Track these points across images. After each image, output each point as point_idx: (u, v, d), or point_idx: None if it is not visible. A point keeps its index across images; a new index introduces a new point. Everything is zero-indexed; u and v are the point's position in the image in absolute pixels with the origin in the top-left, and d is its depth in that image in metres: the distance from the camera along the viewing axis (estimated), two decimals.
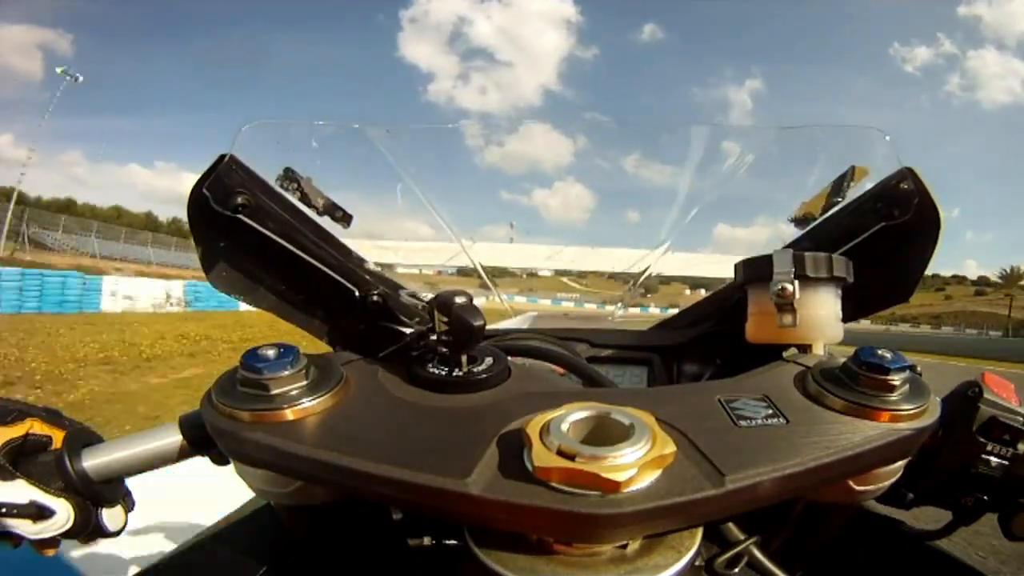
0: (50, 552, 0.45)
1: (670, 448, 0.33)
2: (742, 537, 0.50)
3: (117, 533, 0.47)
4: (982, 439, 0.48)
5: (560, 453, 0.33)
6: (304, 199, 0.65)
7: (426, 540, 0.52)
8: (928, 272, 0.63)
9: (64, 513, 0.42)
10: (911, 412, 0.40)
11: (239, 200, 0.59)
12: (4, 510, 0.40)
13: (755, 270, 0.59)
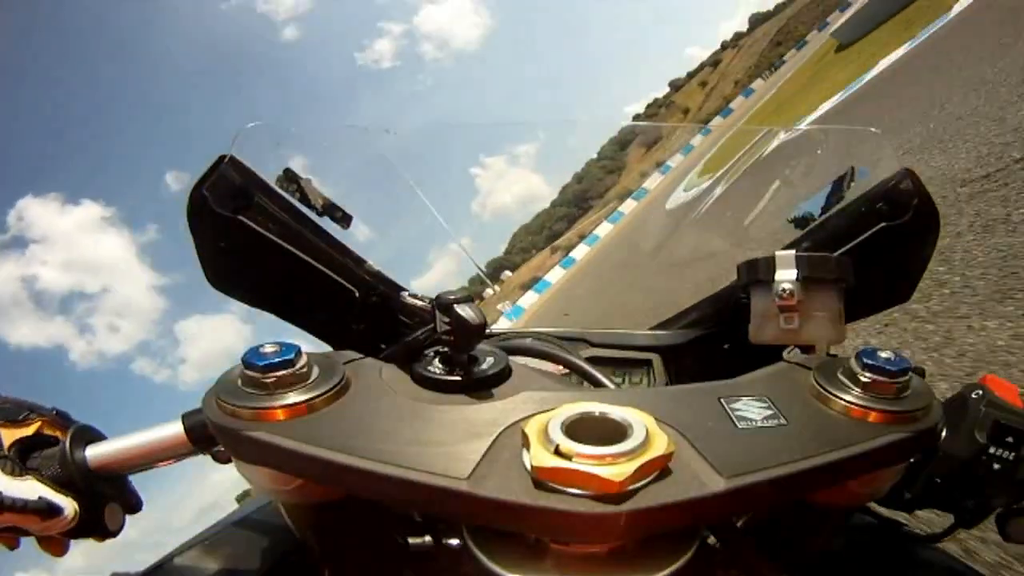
0: (59, 552, 0.45)
1: (669, 448, 0.33)
2: (741, 538, 0.50)
3: (117, 531, 0.47)
4: (984, 441, 0.48)
5: (559, 453, 0.33)
6: (304, 199, 0.65)
7: (426, 540, 0.52)
8: None
9: (70, 510, 0.43)
10: (912, 414, 0.40)
11: (239, 201, 0.59)
12: (17, 506, 0.40)
13: (757, 271, 0.59)
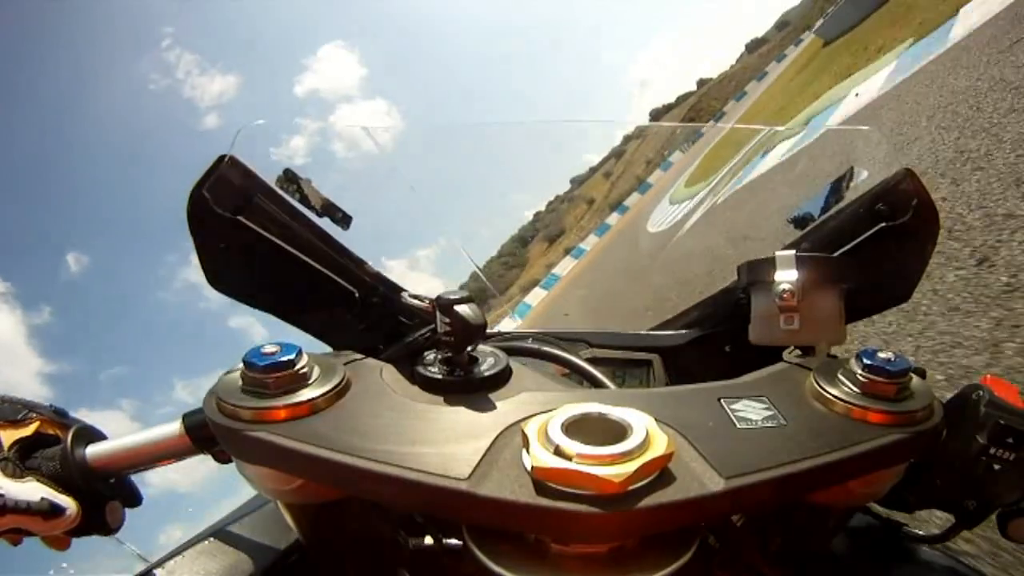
0: (62, 548, 0.46)
1: (669, 449, 0.33)
2: (741, 538, 0.50)
3: (118, 528, 0.48)
4: (985, 442, 0.48)
5: (558, 453, 0.33)
6: (304, 200, 0.65)
7: (426, 540, 0.52)
8: None
9: (72, 510, 0.43)
10: (913, 415, 0.40)
11: (239, 201, 0.59)
12: (20, 507, 0.41)
13: (758, 272, 0.59)
